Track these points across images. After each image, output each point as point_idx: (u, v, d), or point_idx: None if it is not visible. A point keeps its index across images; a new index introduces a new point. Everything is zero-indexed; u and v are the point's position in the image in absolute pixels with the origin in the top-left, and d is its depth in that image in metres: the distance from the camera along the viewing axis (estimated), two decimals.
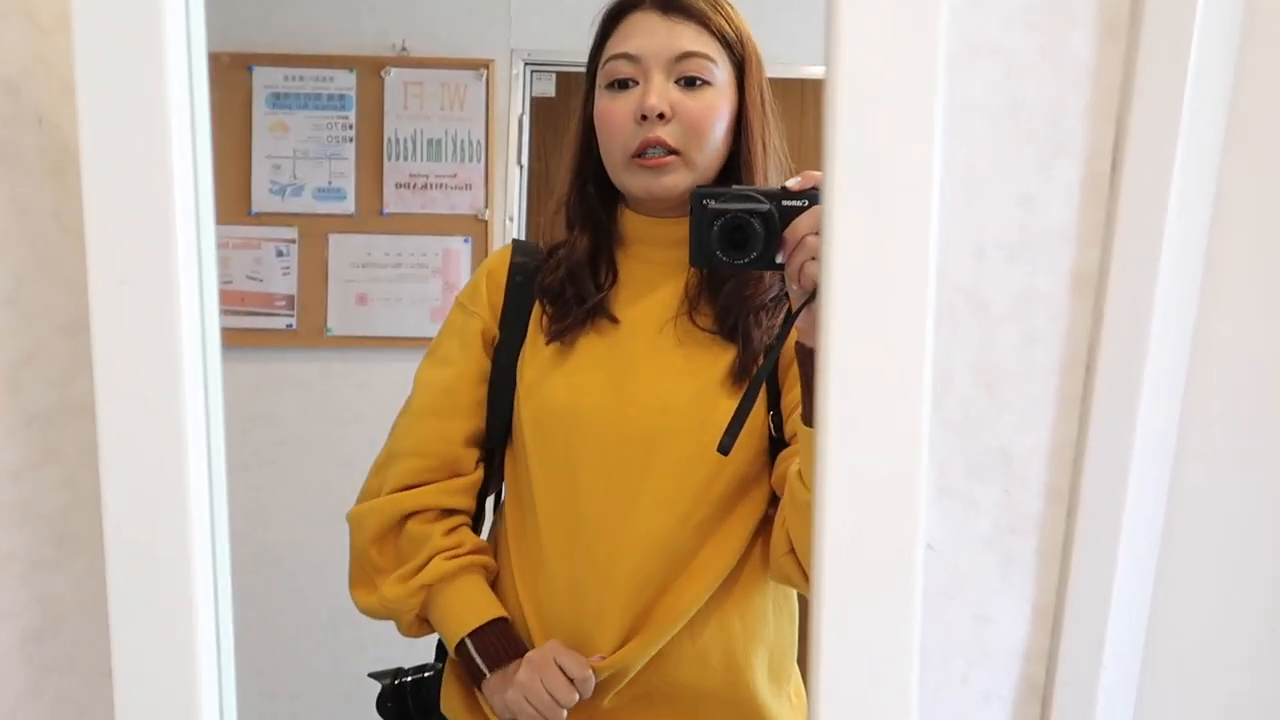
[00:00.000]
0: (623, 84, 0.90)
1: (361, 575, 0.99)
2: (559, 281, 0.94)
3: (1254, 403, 0.65)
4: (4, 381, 0.66)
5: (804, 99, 2.13)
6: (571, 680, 0.88)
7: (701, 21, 0.90)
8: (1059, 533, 0.64)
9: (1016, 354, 0.63)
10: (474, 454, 0.99)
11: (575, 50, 0.99)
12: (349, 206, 2.10)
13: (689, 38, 0.89)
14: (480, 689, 0.93)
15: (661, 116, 0.87)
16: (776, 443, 0.90)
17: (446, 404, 0.98)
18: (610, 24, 0.93)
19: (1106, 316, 0.60)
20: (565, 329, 0.93)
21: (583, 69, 0.97)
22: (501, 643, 0.92)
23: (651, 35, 0.89)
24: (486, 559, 0.97)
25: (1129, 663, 0.66)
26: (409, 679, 1.06)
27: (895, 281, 0.50)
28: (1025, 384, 0.63)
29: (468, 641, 0.92)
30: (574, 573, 0.91)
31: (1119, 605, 0.64)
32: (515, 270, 0.98)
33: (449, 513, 0.97)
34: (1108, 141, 0.60)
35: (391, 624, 0.99)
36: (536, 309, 0.96)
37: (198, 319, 0.55)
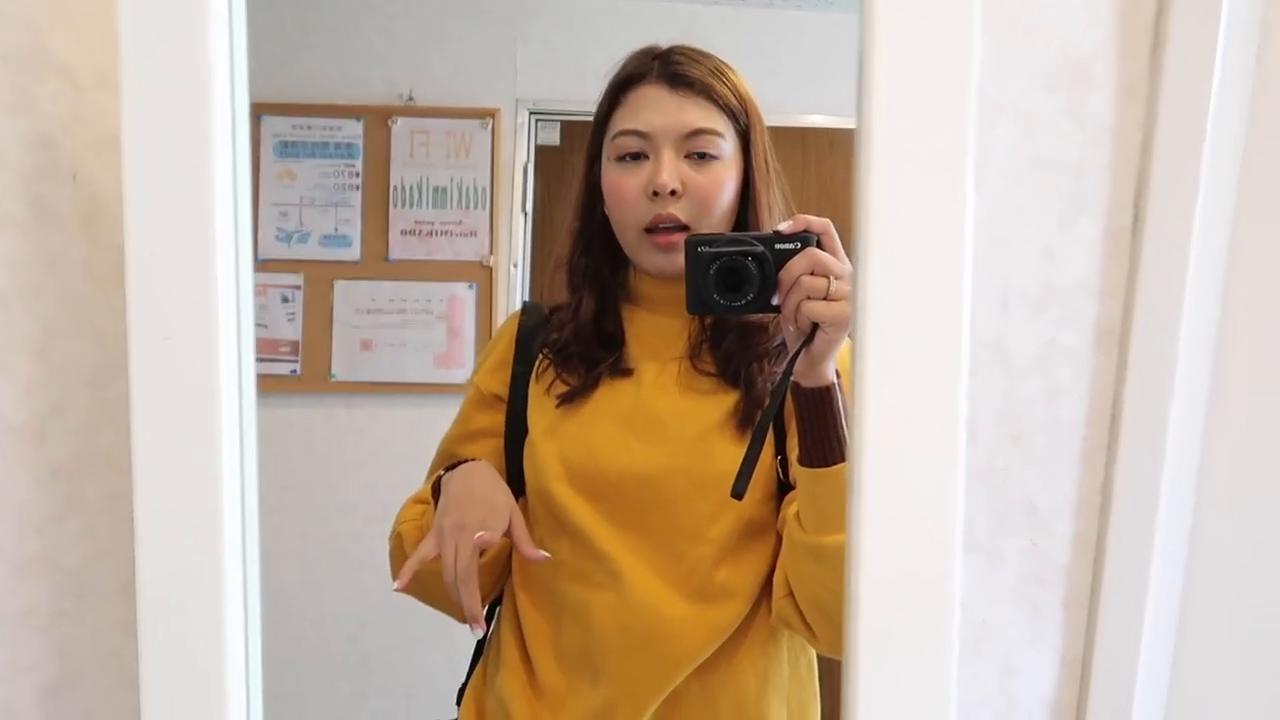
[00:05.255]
0: (633, 156, 0.91)
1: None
2: (564, 342, 0.96)
3: (1277, 451, 0.65)
4: (32, 434, 0.66)
5: (805, 147, 2.17)
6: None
7: (707, 95, 0.91)
8: (1086, 583, 0.64)
9: (1041, 406, 0.64)
10: None
11: (579, 100, 1.01)
12: (354, 253, 2.12)
13: (697, 114, 0.90)
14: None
15: (674, 193, 0.89)
16: (784, 487, 0.90)
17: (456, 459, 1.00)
18: (617, 95, 0.94)
19: (1130, 369, 0.61)
20: (574, 393, 0.94)
21: (586, 118, 0.98)
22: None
23: (661, 111, 0.90)
24: None
25: (1157, 715, 0.66)
26: None
27: (928, 336, 0.51)
28: (1051, 436, 0.64)
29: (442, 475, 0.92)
30: (579, 614, 0.91)
31: (1147, 656, 0.64)
32: (522, 333, 1.00)
33: None
34: (1128, 198, 0.61)
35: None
36: (540, 363, 0.97)
37: (235, 371, 0.55)
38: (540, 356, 0.97)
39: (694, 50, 0.95)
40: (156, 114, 0.53)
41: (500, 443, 0.99)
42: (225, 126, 0.53)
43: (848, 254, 0.78)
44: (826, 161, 2.18)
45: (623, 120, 0.93)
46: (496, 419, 0.99)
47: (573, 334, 0.95)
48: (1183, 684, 0.67)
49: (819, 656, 0.97)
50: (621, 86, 0.94)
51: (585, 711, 0.90)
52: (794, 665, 0.94)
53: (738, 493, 0.76)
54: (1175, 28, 0.58)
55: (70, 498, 0.69)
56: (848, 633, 0.54)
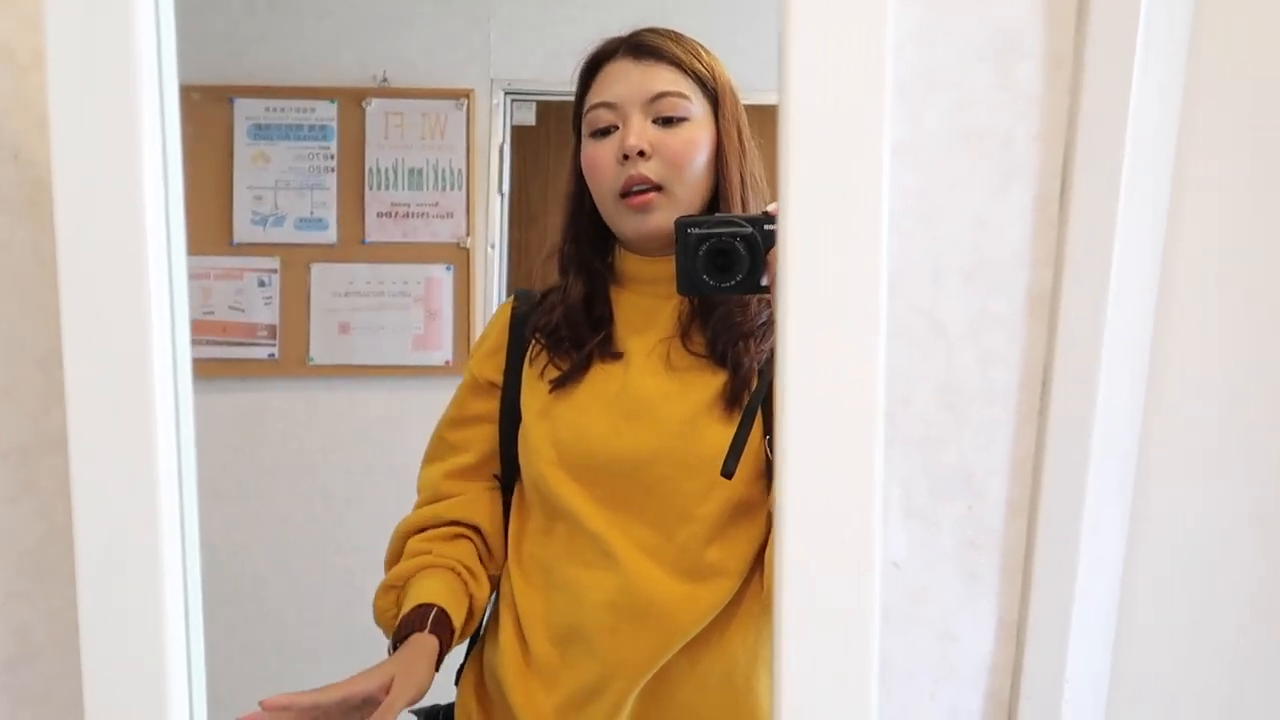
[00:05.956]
0: (605, 131, 0.93)
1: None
2: (554, 323, 0.97)
3: (1208, 414, 0.66)
4: None
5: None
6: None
7: (672, 62, 0.93)
8: (1020, 547, 0.65)
9: (975, 374, 0.64)
10: (479, 485, 1.02)
11: (555, 79, 1.02)
12: (331, 236, 2.11)
13: (662, 79, 0.92)
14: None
15: (642, 154, 0.90)
16: (773, 466, 0.91)
17: (448, 444, 1.02)
18: (588, 75, 0.97)
19: (1060, 335, 0.61)
20: (566, 377, 0.95)
21: (562, 97, 1.00)
22: (409, 622, 0.93)
23: (627, 80, 0.93)
24: (457, 558, 0.98)
25: (1094, 676, 0.67)
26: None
27: (848, 304, 0.51)
28: (985, 403, 0.65)
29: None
30: (572, 592, 0.93)
31: (1081, 618, 0.65)
32: (515, 319, 1.02)
33: (449, 524, 0.99)
34: (1058, 166, 0.62)
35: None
36: (533, 347, 0.99)
37: (169, 350, 0.56)
38: (533, 341, 0.98)
39: (661, 28, 0.96)
40: (84, 90, 0.53)
41: (495, 429, 1.00)
42: (153, 100, 0.53)
43: None
44: None
45: (593, 96, 0.95)
46: (491, 405, 1.00)
47: (562, 316, 0.97)
48: (1118, 647, 0.68)
49: None
50: (591, 67, 0.97)
51: (577, 686, 0.92)
52: None
53: (728, 472, 0.78)
54: None
55: (24, 479, 0.69)
56: (774, 602, 0.54)
